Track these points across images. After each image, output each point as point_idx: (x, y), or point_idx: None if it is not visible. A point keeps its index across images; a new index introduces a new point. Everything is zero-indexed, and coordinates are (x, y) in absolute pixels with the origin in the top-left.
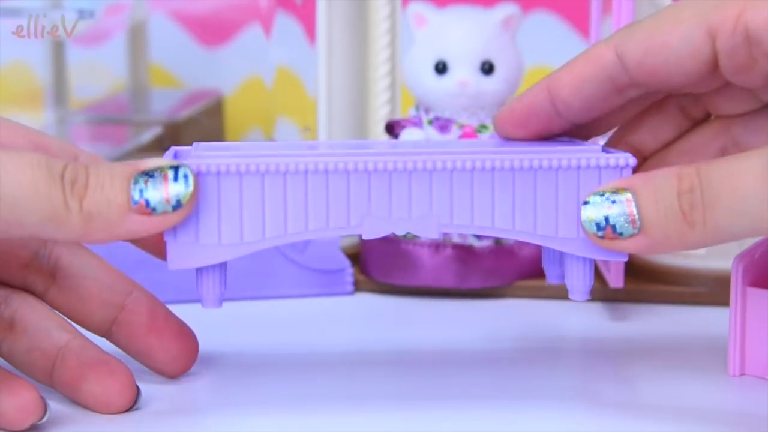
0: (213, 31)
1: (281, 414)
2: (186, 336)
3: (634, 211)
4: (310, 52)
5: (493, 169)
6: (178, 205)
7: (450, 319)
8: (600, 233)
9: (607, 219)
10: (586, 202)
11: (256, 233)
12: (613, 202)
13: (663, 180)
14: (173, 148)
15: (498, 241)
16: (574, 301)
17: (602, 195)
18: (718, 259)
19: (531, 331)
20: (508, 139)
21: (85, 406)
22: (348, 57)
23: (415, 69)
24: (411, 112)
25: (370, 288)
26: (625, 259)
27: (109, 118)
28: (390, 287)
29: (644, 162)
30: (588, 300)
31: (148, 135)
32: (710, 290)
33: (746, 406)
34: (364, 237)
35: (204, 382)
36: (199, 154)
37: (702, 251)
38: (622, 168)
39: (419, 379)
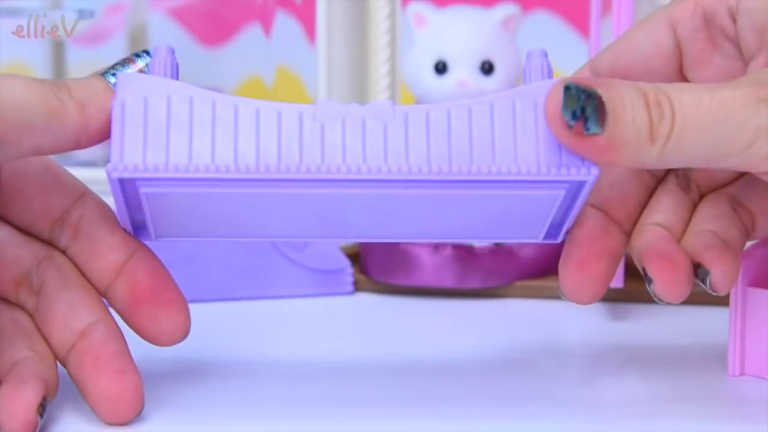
0: (213, 31)
1: (281, 414)
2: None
3: (606, 109)
4: (310, 52)
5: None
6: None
7: (450, 319)
8: (572, 123)
9: (584, 109)
10: (567, 88)
11: None
12: (588, 95)
13: (626, 87)
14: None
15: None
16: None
17: (577, 86)
18: None
19: (531, 331)
20: None
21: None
22: (348, 57)
23: (415, 69)
24: None
25: (370, 288)
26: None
27: None
28: (390, 287)
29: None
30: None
31: None
32: None
33: (746, 406)
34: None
35: (203, 382)
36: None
37: None
38: None
39: (419, 379)
